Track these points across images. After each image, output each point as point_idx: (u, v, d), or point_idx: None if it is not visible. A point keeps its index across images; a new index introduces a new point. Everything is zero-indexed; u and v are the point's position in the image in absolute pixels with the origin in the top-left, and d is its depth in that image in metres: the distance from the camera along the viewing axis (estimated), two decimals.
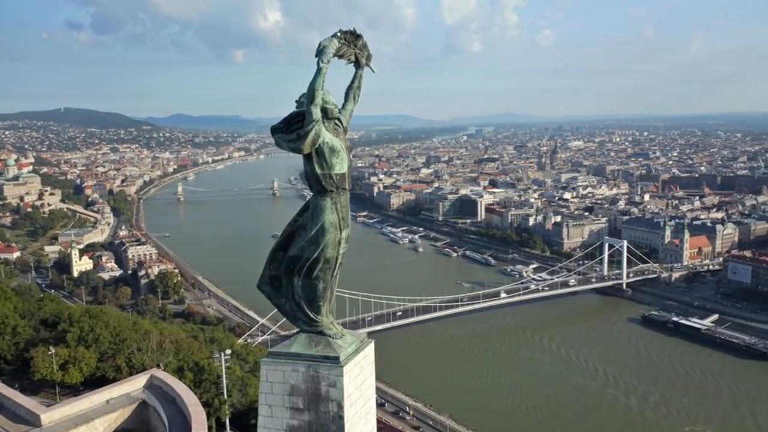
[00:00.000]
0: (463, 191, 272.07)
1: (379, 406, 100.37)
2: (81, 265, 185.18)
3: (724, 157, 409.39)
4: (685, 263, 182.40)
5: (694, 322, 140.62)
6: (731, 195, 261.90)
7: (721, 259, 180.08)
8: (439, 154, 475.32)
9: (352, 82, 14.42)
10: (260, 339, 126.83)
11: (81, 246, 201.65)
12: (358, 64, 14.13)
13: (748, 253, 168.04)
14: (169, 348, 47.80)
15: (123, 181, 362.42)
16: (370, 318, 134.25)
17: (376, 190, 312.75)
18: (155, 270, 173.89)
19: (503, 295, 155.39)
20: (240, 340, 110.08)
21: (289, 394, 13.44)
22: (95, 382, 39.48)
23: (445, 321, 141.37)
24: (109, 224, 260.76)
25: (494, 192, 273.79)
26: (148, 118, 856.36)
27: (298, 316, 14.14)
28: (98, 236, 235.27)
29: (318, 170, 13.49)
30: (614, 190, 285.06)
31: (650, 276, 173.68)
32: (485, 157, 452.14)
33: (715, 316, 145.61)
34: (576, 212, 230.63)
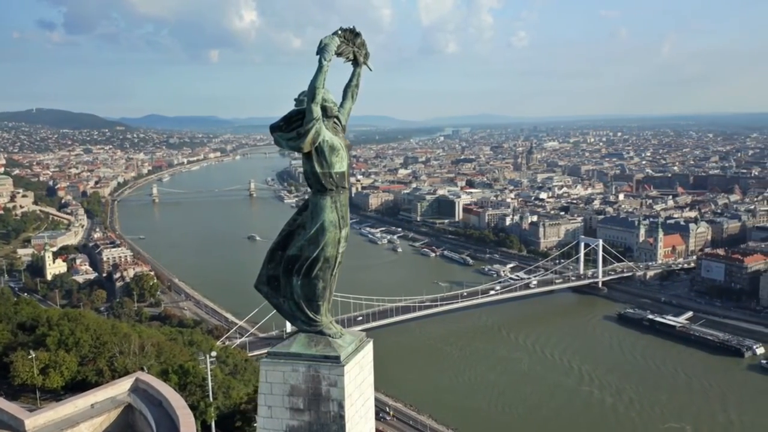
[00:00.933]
0: (440, 192, 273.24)
1: None
2: (55, 268, 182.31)
3: (697, 156, 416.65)
4: (660, 262, 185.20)
5: (669, 320, 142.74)
6: (704, 194, 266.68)
7: (694, 257, 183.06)
8: (417, 155, 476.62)
9: (351, 80, 14.37)
10: (238, 341, 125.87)
11: (54, 249, 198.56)
12: (356, 63, 14.08)
13: (721, 251, 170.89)
14: (151, 351, 47.26)
15: (97, 182, 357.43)
16: (349, 319, 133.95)
17: (354, 190, 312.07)
18: (130, 272, 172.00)
19: (491, 292, 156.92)
20: (218, 343, 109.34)
21: (288, 394, 13.37)
22: (76, 386, 38.90)
23: (424, 321, 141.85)
24: (82, 226, 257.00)
25: (471, 192, 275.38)
26: (122, 118, 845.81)
27: (296, 315, 14.08)
28: (72, 239, 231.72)
29: (318, 169, 13.40)
30: (589, 190, 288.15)
31: (625, 274, 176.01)
32: (462, 157, 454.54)
33: (690, 314, 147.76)
34: (552, 212, 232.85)
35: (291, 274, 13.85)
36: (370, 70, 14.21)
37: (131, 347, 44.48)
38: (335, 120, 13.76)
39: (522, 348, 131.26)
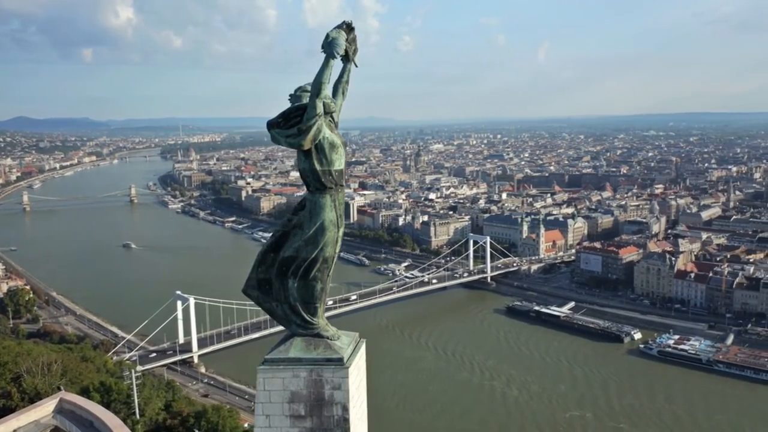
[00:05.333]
0: None
1: None
2: None
3: (570, 157, 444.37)
4: (542, 256, 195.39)
5: (554, 310, 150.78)
6: (578, 192, 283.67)
7: (573, 250, 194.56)
8: None
9: (341, 76, 13.99)
10: (128, 355, 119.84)
11: None
12: (346, 58, 13.70)
13: (597, 245, 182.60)
14: (56, 369, 43.68)
15: None
16: (246, 327, 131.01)
17: (244, 194, 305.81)
18: (3, 287, 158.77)
19: (381, 291, 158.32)
20: (108, 356, 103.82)
21: (289, 401, 12.91)
22: None
23: None
24: None
25: (365, 194, 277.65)
26: None
27: (291, 319, 13.60)
28: None
29: (317, 166, 13.05)
30: (474, 190, 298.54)
31: (512, 269, 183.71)
32: (353, 159, 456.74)
33: (572, 304, 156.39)
34: (441, 211, 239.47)
35: (286, 277, 13.37)
36: (356, 66, 13.92)
37: (39, 367, 40.85)
38: (330, 117, 13.44)
39: (423, 347, 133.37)
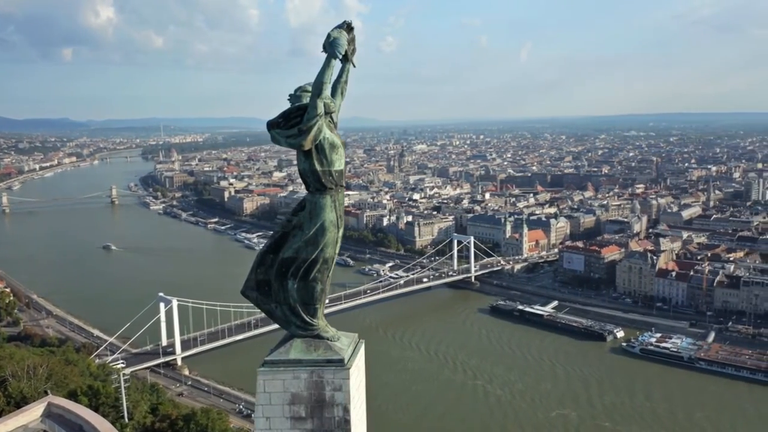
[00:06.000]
0: None
1: (246, 416, 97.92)
2: None
3: (552, 157, 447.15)
4: (525, 255, 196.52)
5: (537, 309, 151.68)
6: (560, 191, 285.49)
7: (556, 250, 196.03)
8: (291, 157, 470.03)
9: (340, 76, 13.84)
10: (111, 358, 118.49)
11: None
12: (345, 58, 13.54)
13: (579, 244, 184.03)
14: (41, 373, 42.98)
15: None
16: (230, 328, 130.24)
17: (226, 195, 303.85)
18: None
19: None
20: (91, 359, 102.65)
21: (289, 403, 12.86)
22: None
23: None
24: None
25: (349, 194, 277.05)
26: None
27: (291, 320, 13.53)
28: None
29: (318, 167, 12.98)
30: (458, 190, 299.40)
31: (495, 269, 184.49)
32: None
33: (555, 303, 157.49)
34: (425, 212, 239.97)
35: (286, 278, 13.32)
36: (354, 66, 13.86)
37: (25, 371, 40.15)
38: (330, 117, 13.37)
39: (407, 347, 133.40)
